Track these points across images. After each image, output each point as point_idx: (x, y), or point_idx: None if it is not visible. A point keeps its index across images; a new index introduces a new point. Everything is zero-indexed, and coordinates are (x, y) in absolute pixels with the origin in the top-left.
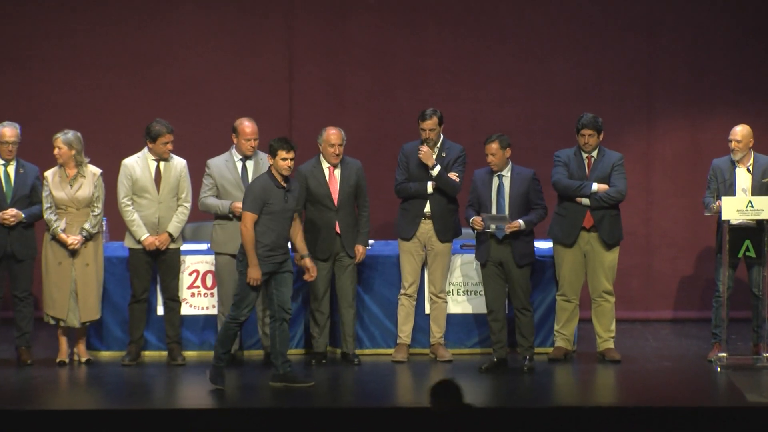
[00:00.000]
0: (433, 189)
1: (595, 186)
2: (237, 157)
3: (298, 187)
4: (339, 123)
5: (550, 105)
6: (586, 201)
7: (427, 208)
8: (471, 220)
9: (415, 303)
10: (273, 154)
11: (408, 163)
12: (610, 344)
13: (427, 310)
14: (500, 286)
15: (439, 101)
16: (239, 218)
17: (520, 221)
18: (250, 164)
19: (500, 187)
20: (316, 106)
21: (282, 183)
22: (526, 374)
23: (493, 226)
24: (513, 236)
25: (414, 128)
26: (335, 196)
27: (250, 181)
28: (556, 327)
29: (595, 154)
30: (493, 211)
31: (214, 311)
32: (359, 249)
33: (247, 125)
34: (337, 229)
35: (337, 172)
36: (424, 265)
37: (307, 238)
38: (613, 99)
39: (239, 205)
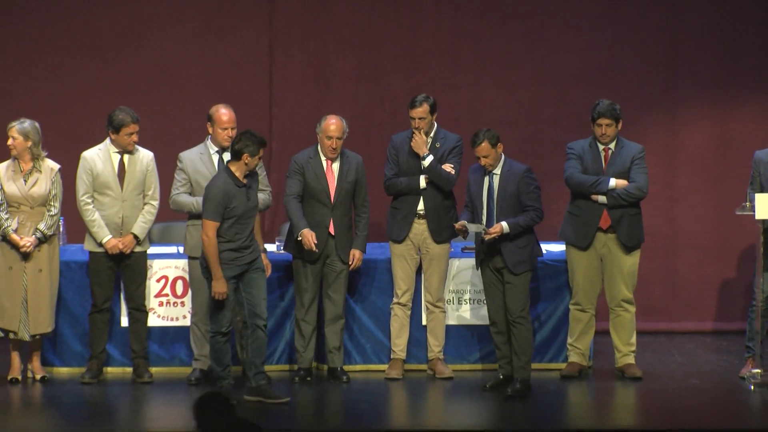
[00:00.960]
0: (427, 183)
1: (612, 182)
2: (213, 149)
3: (256, 178)
4: (324, 111)
5: (560, 90)
6: (602, 199)
7: (421, 206)
8: (455, 225)
9: (410, 313)
10: (252, 153)
11: (398, 157)
12: (631, 359)
13: (424, 321)
14: (501, 294)
15: (435, 87)
16: None
17: (504, 224)
18: (227, 157)
19: (491, 186)
20: (299, 92)
21: (242, 180)
22: (515, 399)
23: (473, 234)
24: (501, 241)
25: (408, 117)
26: (332, 191)
27: None
28: (569, 340)
29: (612, 146)
30: (484, 214)
31: (186, 322)
32: (355, 254)
33: (223, 113)
34: (331, 230)
35: (336, 165)
36: (419, 271)
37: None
38: (632, 84)
39: None
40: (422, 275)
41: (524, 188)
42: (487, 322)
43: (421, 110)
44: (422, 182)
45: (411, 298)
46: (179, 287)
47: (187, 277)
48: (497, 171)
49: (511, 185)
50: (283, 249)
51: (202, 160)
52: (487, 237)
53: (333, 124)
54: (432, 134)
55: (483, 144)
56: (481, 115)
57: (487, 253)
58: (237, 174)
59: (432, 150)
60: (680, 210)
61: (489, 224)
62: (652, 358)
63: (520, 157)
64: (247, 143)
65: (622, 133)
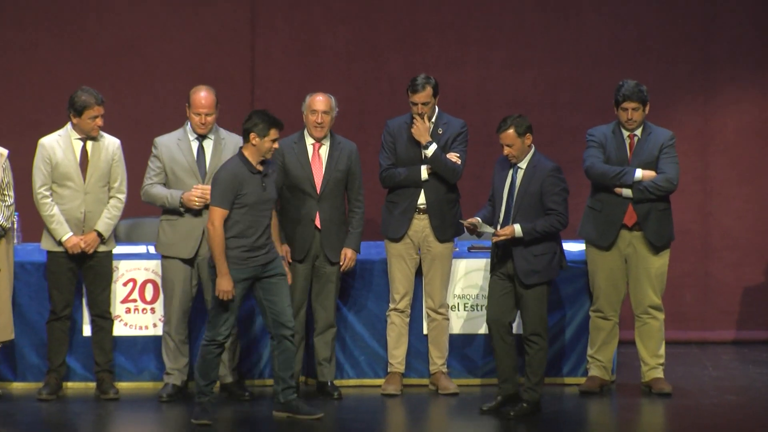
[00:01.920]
0: (429, 174)
1: (638, 173)
2: (192, 135)
3: (276, 169)
4: (312, 92)
5: (580, 70)
6: (627, 192)
7: (422, 200)
8: (465, 222)
9: (408, 321)
10: (260, 133)
11: (395, 144)
12: (659, 373)
13: (425, 330)
14: (506, 302)
15: (439, 66)
16: (194, 213)
17: (516, 227)
18: (208, 144)
19: (512, 182)
20: (284, 71)
21: (257, 167)
22: (512, 420)
23: (484, 233)
24: (513, 246)
25: (407, 101)
26: (318, 180)
27: (207, 166)
28: (589, 351)
29: (639, 132)
30: (502, 212)
31: (157, 331)
32: (347, 253)
33: (200, 96)
34: (317, 223)
35: (324, 150)
36: (419, 273)
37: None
38: (661, 63)
39: (195, 196)
40: (423, 278)
41: (549, 189)
42: None
43: (424, 94)
44: (424, 173)
45: (410, 303)
46: (149, 292)
47: (158, 280)
48: (522, 165)
49: (535, 184)
50: None
51: (180, 147)
52: (495, 239)
53: (319, 96)
54: (433, 119)
55: (508, 131)
56: (491, 98)
57: (500, 258)
58: (251, 159)
59: (434, 137)
60: (715, 205)
61: (505, 224)
62: (683, 372)
63: (534, 144)
64: (256, 122)
65: (649, 118)
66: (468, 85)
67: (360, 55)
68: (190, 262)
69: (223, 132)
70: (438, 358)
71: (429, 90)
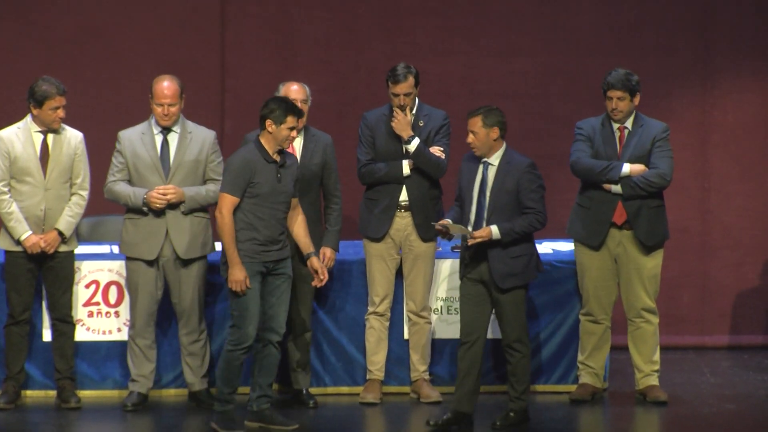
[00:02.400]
0: (411, 169)
1: (626, 167)
2: (156, 128)
3: (295, 162)
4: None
5: (573, 58)
6: (616, 188)
7: (404, 197)
8: (436, 225)
9: (388, 325)
10: (277, 120)
11: (374, 138)
12: (653, 380)
13: (406, 335)
14: (479, 310)
15: (423, 54)
16: (157, 213)
17: (493, 228)
18: (173, 138)
19: (484, 180)
20: (257, 59)
21: (274, 156)
22: (499, 430)
23: (457, 235)
24: (488, 248)
25: (386, 90)
26: None
27: (171, 161)
28: (579, 357)
29: (629, 124)
30: (473, 212)
31: (122, 336)
32: (326, 252)
33: (163, 86)
34: None
35: (297, 143)
36: (399, 274)
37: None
38: (658, 50)
39: (157, 195)
40: (403, 279)
41: (525, 186)
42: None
43: (406, 85)
44: (406, 168)
45: (390, 306)
46: (113, 294)
47: (122, 281)
48: (494, 161)
49: (510, 181)
50: None
51: (143, 141)
52: (470, 242)
53: (294, 85)
54: (414, 111)
55: (476, 118)
56: (478, 88)
57: (471, 260)
58: (267, 147)
59: (414, 129)
60: (715, 202)
61: (477, 225)
62: (680, 378)
63: (524, 137)
64: (272, 108)
65: (645, 109)
66: (453, 74)
67: (338, 42)
68: (154, 263)
69: (190, 125)
70: (420, 365)
71: (411, 80)
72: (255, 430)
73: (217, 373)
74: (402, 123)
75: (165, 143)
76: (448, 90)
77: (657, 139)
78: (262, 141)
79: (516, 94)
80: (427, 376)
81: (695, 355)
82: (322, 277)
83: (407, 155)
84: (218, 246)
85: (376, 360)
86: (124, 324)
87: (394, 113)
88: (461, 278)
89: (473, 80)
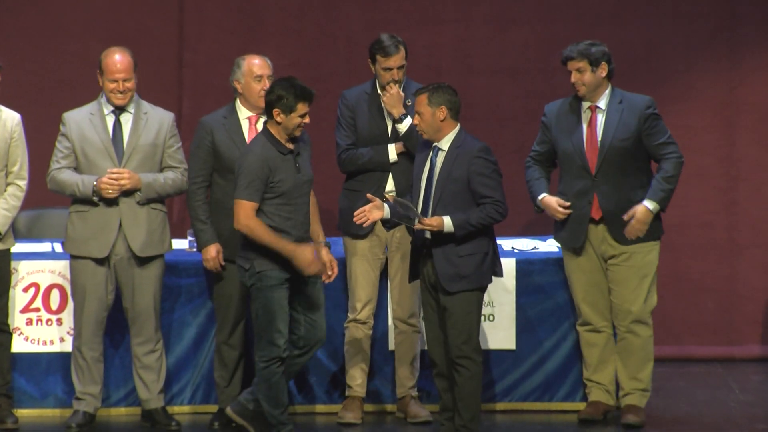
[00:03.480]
0: (398, 155)
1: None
2: (107, 108)
3: (307, 140)
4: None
5: (579, 29)
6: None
7: (390, 186)
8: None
9: (371, 334)
10: (285, 109)
11: (355, 120)
12: (634, 399)
13: (391, 346)
14: (439, 320)
15: (408, 24)
16: (108, 202)
17: (446, 219)
18: (126, 119)
19: (432, 167)
20: (218, 31)
21: (288, 145)
22: None
23: (401, 216)
24: (434, 244)
25: (367, 65)
26: None
27: (125, 145)
28: (585, 374)
29: (603, 102)
30: (419, 204)
31: (65, 347)
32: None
33: (115, 60)
34: None
35: (262, 125)
36: (384, 276)
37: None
38: (677, 17)
39: (109, 180)
40: (388, 282)
41: (477, 171)
42: (497, 345)
43: (399, 57)
44: (392, 153)
45: (373, 313)
46: (55, 299)
47: (66, 285)
48: (444, 146)
49: (459, 168)
50: (197, 248)
51: (93, 123)
52: (417, 226)
53: (256, 59)
54: (402, 86)
55: (419, 97)
56: (471, 62)
57: (419, 258)
58: (279, 137)
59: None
60: (743, 192)
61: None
62: (705, 396)
63: (525, 119)
64: (280, 93)
65: (662, 86)
66: (444, 46)
67: (311, 10)
68: (104, 262)
69: (145, 105)
70: (407, 380)
71: (402, 51)
72: (228, 424)
73: (260, 397)
74: (394, 98)
75: (117, 125)
76: (437, 64)
77: (646, 116)
78: (273, 131)
79: (514, 69)
80: (415, 393)
81: (722, 369)
82: (329, 272)
83: (395, 138)
84: (176, 244)
85: (357, 374)
86: (68, 333)
87: (387, 87)
88: (420, 283)
89: (466, 53)
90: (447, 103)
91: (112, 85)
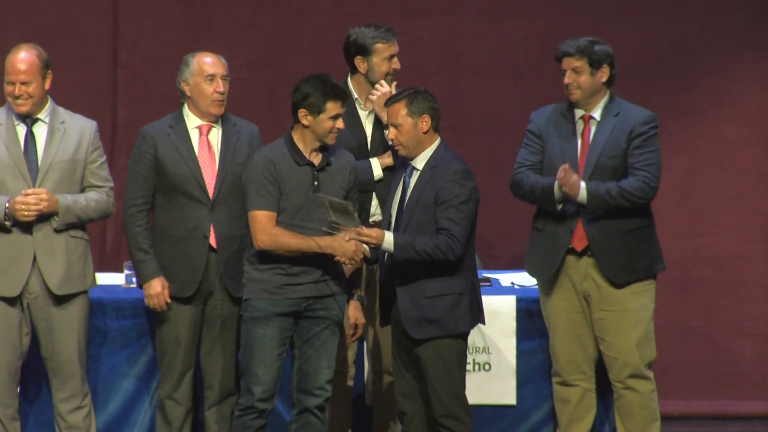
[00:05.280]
0: (384, 169)
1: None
2: (17, 118)
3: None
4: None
5: (588, 22)
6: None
7: (375, 208)
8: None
9: (352, 384)
10: (313, 108)
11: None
12: None
13: (368, 400)
14: (410, 367)
15: (387, 14)
16: (23, 228)
17: (387, 235)
18: (40, 130)
19: (404, 189)
20: (162, 24)
21: (310, 157)
22: None
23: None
24: (400, 281)
25: (342, 65)
26: (210, 179)
27: (40, 161)
28: None
29: (598, 112)
30: (391, 229)
31: None
32: None
33: (19, 57)
34: (212, 241)
35: (215, 136)
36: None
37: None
38: (706, 11)
39: (25, 201)
40: (369, 324)
41: (443, 198)
42: (495, 400)
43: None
44: (376, 168)
45: (353, 359)
46: None
47: None
48: (419, 164)
49: (428, 192)
50: (137, 283)
51: (0, 134)
52: (353, 236)
53: (208, 57)
54: (394, 86)
55: (394, 106)
56: (463, 60)
57: (384, 300)
58: (300, 145)
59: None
60: None
61: None
62: None
63: (521, 126)
64: (307, 92)
65: (692, 89)
66: (432, 43)
67: (271, 1)
68: (16, 302)
69: (62, 113)
70: None
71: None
72: None
73: None
74: (383, 99)
75: (30, 137)
76: (422, 63)
77: (637, 133)
78: (295, 137)
79: (511, 68)
80: None
81: (762, 427)
82: (357, 332)
83: (376, 150)
84: (111, 278)
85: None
86: None
87: (376, 86)
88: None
89: (456, 51)
90: (429, 111)
91: (9, 88)
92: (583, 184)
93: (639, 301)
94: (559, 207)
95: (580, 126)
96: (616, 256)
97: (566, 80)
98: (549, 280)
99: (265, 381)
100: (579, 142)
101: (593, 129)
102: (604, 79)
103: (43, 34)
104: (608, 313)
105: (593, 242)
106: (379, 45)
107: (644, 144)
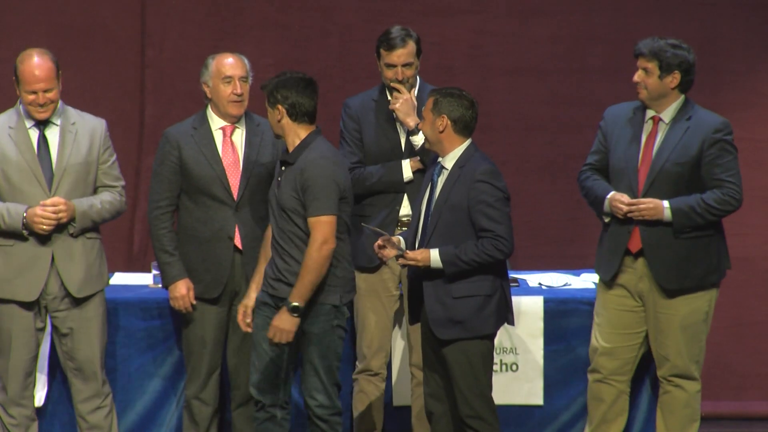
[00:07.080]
0: (414, 172)
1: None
2: (29, 121)
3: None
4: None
5: (616, 20)
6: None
7: (405, 210)
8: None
9: (384, 387)
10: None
11: (361, 133)
12: None
13: (409, 400)
14: (436, 371)
15: (414, 14)
16: (40, 237)
17: (433, 253)
18: (53, 133)
19: (432, 189)
20: (188, 23)
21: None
22: None
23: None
24: (427, 280)
25: (370, 65)
26: (234, 180)
27: (54, 165)
28: (585, 430)
29: (668, 114)
30: (418, 231)
31: None
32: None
33: (34, 64)
34: (237, 242)
35: (239, 137)
36: (399, 317)
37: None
38: (736, 8)
39: (44, 213)
40: (405, 325)
41: (478, 198)
42: (519, 400)
43: (405, 52)
44: (407, 170)
45: (386, 361)
46: None
47: None
48: (448, 164)
49: (457, 193)
50: (162, 284)
51: (13, 138)
52: (401, 261)
53: (229, 57)
54: (415, 91)
55: (429, 97)
56: (491, 60)
57: (412, 298)
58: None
59: (418, 116)
60: None
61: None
62: None
63: (550, 126)
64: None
65: (724, 89)
66: (459, 43)
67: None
68: (34, 305)
69: (72, 113)
70: None
71: (411, 46)
72: None
73: None
74: (406, 106)
75: (43, 141)
76: (449, 63)
77: (712, 141)
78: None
79: (541, 68)
80: None
81: None
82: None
83: (409, 153)
84: (138, 278)
85: None
86: None
87: (396, 93)
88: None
89: (483, 50)
90: (450, 114)
91: (31, 97)
92: (666, 203)
93: (693, 304)
94: (607, 220)
95: (648, 127)
96: (669, 260)
97: (635, 78)
98: (608, 283)
99: (285, 377)
100: (642, 144)
101: (661, 132)
102: (674, 84)
103: (70, 33)
104: (662, 317)
105: (647, 245)
106: (381, 51)
107: (721, 153)
